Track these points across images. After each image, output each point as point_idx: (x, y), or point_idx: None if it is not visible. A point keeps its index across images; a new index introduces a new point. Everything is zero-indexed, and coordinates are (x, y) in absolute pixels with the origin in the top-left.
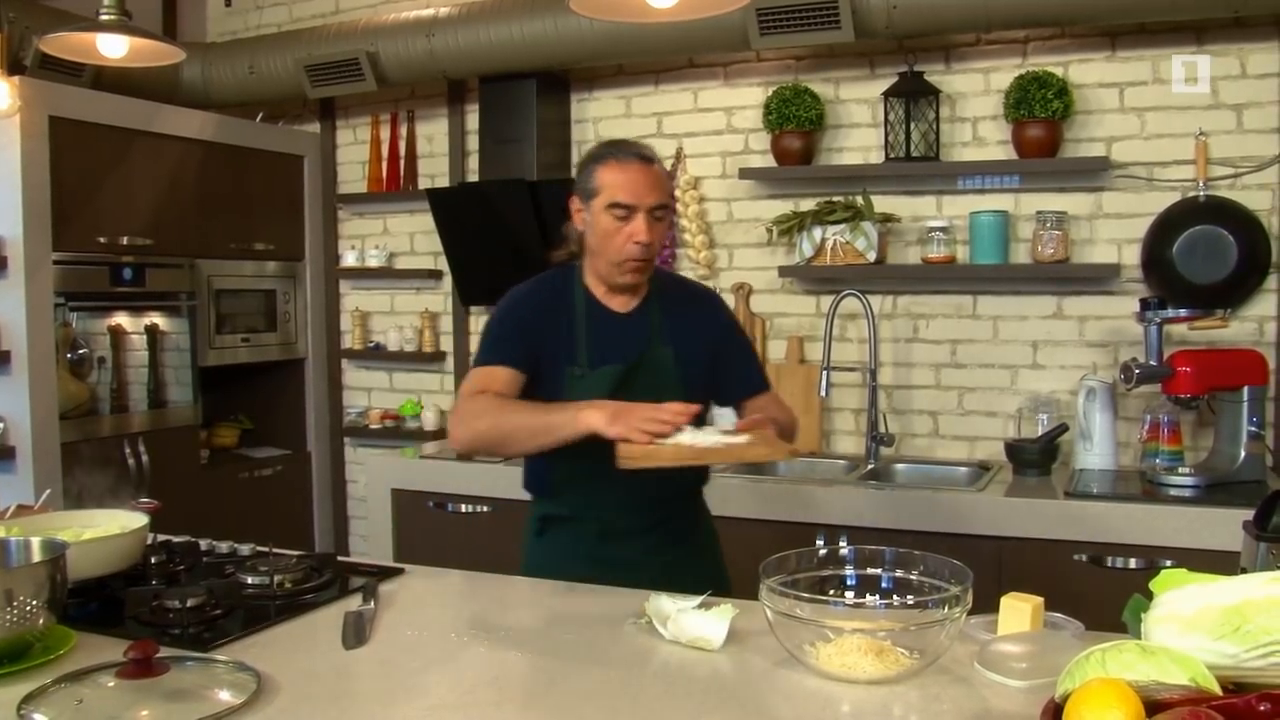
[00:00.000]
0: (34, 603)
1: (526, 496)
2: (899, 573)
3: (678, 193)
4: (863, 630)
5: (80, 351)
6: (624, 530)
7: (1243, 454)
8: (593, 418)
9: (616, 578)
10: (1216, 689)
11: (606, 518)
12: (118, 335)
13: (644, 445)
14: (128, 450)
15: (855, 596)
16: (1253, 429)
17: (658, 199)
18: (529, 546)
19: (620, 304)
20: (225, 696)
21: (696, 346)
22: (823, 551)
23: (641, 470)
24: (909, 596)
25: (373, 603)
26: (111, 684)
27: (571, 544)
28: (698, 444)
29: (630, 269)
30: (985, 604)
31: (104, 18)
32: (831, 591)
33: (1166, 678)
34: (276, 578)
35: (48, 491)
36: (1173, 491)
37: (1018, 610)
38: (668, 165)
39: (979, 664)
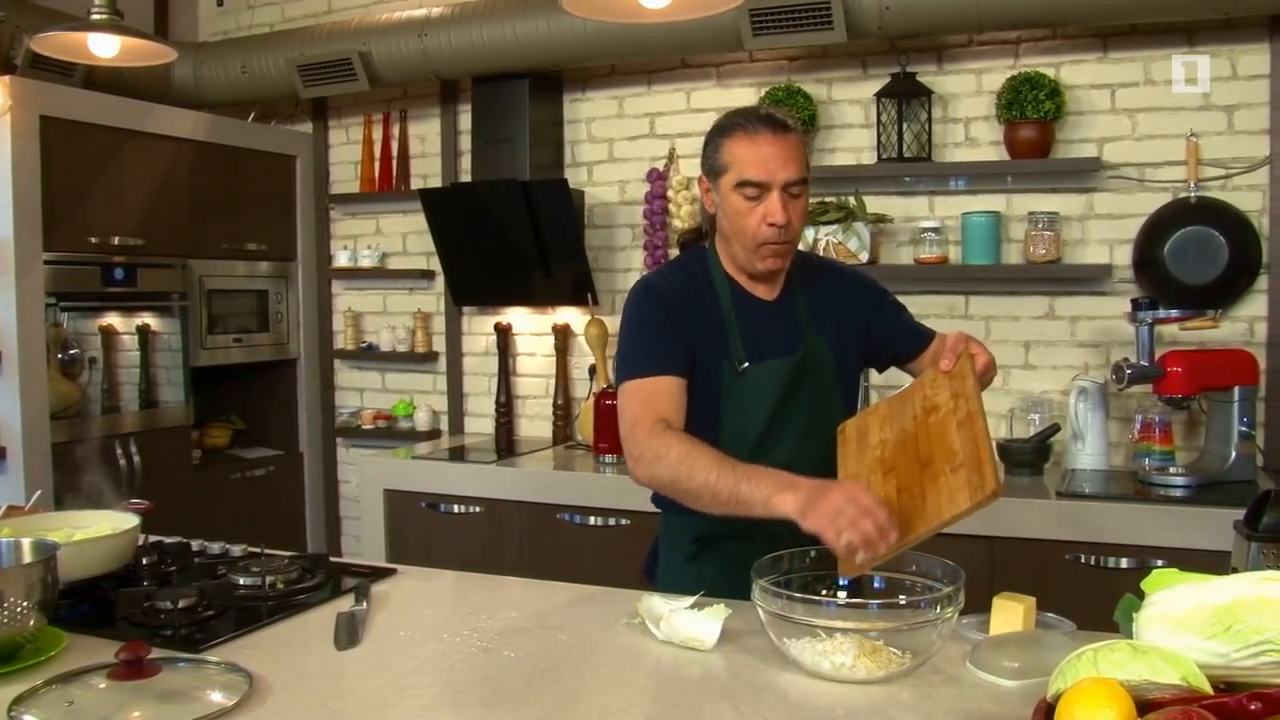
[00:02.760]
0: (25, 604)
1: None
2: (891, 572)
3: (670, 192)
4: (855, 630)
5: (71, 352)
6: (796, 541)
7: (1234, 454)
8: (788, 504)
9: None
10: (1208, 688)
11: (779, 528)
12: (109, 335)
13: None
14: (119, 451)
15: (848, 596)
16: (1243, 429)
17: (793, 173)
18: (676, 567)
19: (765, 291)
20: (217, 698)
21: (849, 334)
22: (815, 551)
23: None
24: (901, 596)
25: (365, 603)
26: (103, 685)
27: (739, 563)
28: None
29: (768, 254)
30: (977, 604)
31: (95, 17)
32: (824, 591)
33: (1158, 677)
34: (268, 578)
35: (39, 492)
36: (1164, 491)
37: (1010, 610)
38: (660, 166)
39: (971, 664)
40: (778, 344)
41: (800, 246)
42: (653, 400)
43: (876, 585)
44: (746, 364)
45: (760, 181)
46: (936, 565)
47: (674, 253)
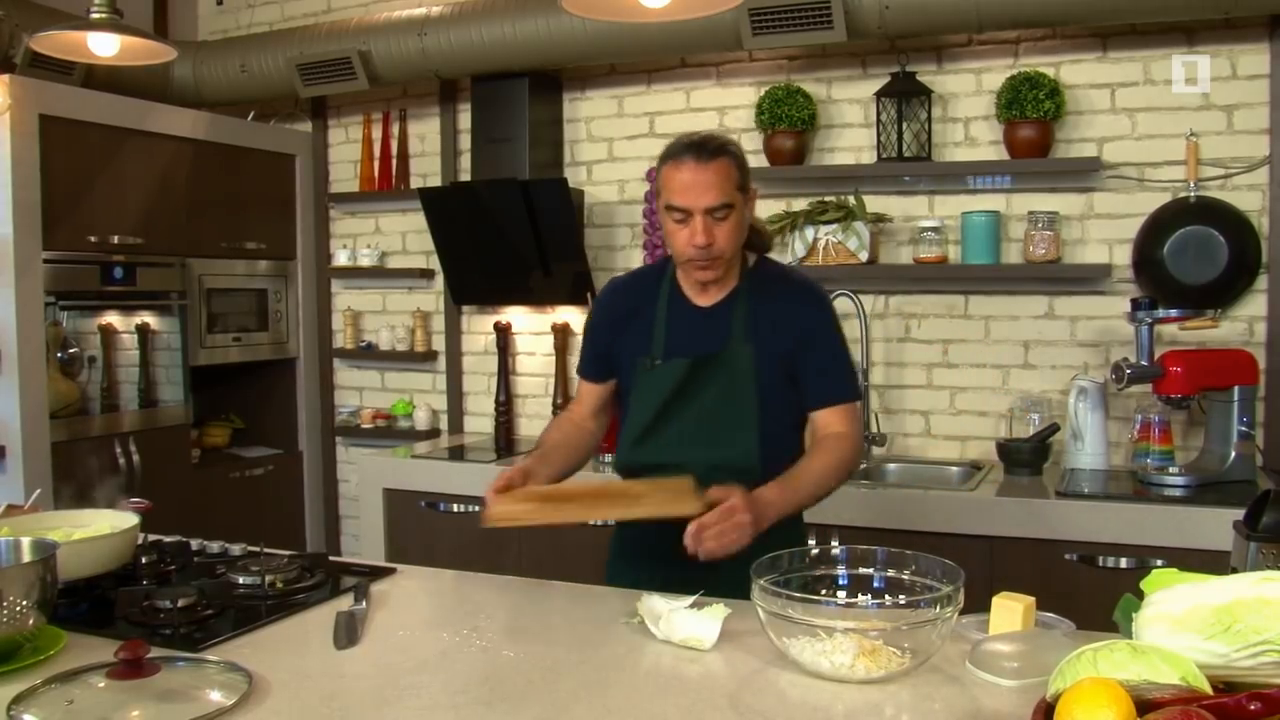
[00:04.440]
0: (24, 603)
1: None
2: (891, 572)
3: None
4: (855, 630)
5: (71, 351)
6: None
7: (1233, 454)
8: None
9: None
10: (1207, 688)
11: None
12: (108, 334)
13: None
14: (118, 450)
15: (847, 596)
16: (1243, 429)
17: (712, 200)
18: (610, 564)
19: (705, 298)
20: (216, 697)
21: (778, 347)
22: (815, 551)
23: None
24: (901, 596)
25: (364, 602)
26: (102, 684)
27: (640, 537)
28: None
29: (695, 269)
30: (976, 603)
31: (95, 16)
32: (824, 591)
33: (1158, 677)
34: (268, 578)
35: (38, 491)
36: (1163, 491)
37: (1009, 610)
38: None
39: (970, 663)
40: (694, 347)
41: (800, 246)
42: (577, 397)
43: (876, 585)
44: (659, 361)
45: (682, 207)
46: (936, 565)
47: None
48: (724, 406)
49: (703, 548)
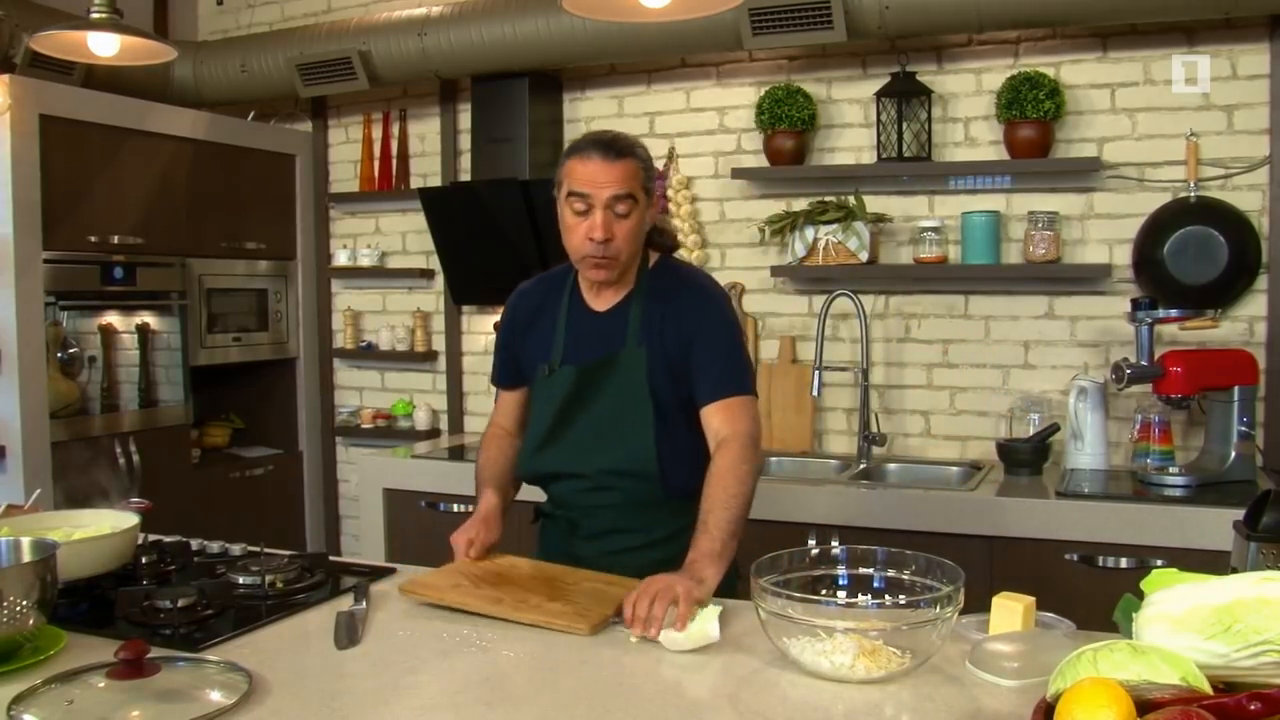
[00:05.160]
0: (24, 603)
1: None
2: (891, 572)
3: (670, 192)
4: (855, 630)
5: (71, 351)
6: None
7: (1233, 454)
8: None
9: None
10: (1207, 688)
11: (574, 517)
12: (108, 334)
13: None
14: (118, 450)
15: (847, 596)
16: (1243, 429)
17: (616, 189)
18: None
19: (602, 301)
20: (216, 697)
21: (669, 347)
22: (815, 551)
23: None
24: (901, 596)
25: (364, 603)
26: (102, 684)
27: (555, 539)
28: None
29: (590, 265)
30: (976, 603)
31: (95, 16)
32: (824, 591)
33: (1158, 677)
34: (268, 578)
35: (38, 491)
36: (1164, 491)
37: (1009, 610)
38: (660, 165)
39: (971, 663)
40: (590, 353)
41: (800, 246)
42: (498, 406)
43: (876, 585)
44: (555, 368)
45: (584, 193)
46: (936, 565)
47: None
48: (618, 411)
49: (648, 621)
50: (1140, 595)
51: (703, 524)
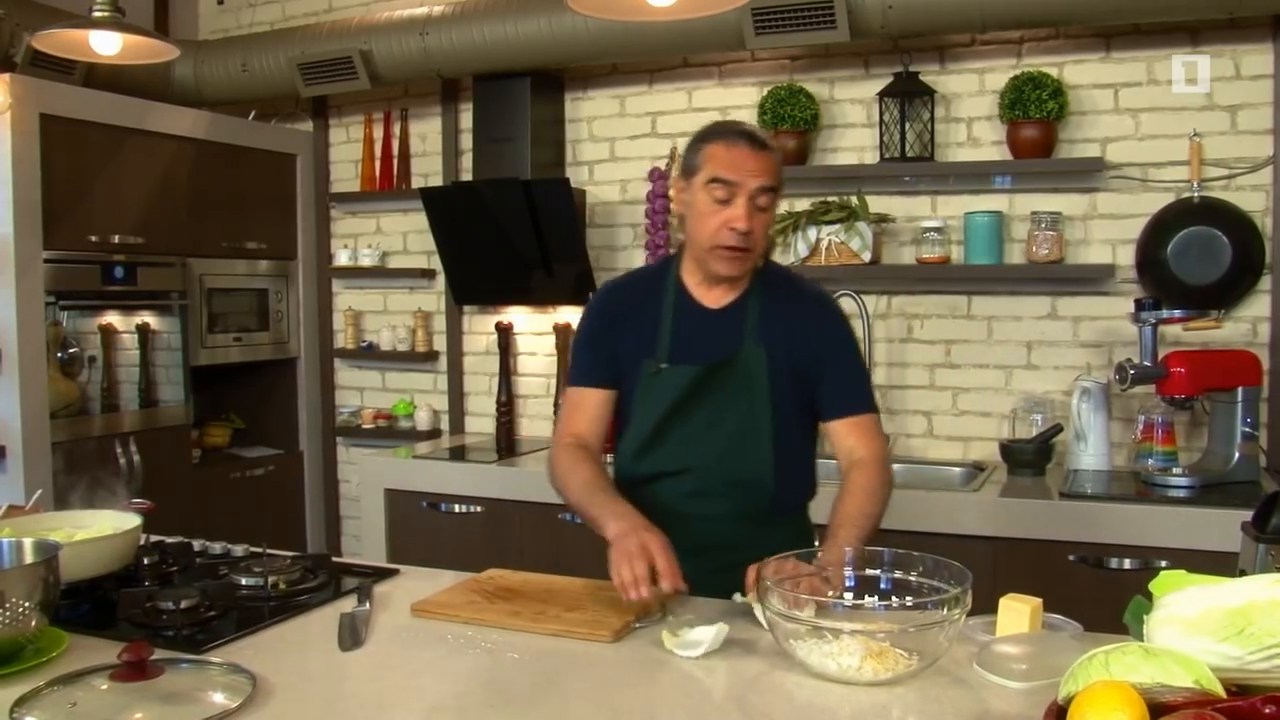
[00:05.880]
0: (26, 604)
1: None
2: (898, 573)
3: (672, 192)
4: (862, 632)
5: (71, 350)
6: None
7: (1237, 455)
8: (609, 531)
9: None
10: (1221, 691)
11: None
12: (109, 334)
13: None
14: (119, 450)
15: (854, 597)
16: (1247, 429)
17: (764, 180)
18: None
19: (714, 298)
20: (220, 699)
21: (794, 354)
22: (820, 553)
23: None
24: (908, 598)
25: (368, 604)
26: (105, 687)
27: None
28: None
29: (724, 257)
30: (980, 605)
31: (97, 14)
32: (830, 593)
33: (1171, 680)
34: (271, 579)
35: (40, 491)
36: (1167, 492)
37: (1016, 611)
38: (662, 166)
39: (978, 665)
40: (706, 349)
41: (802, 246)
42: (574, 412)
43: (883, 586)
44: (665, 365)
45: (731, 180)
46: (943, 567)
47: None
48: (736, 414)
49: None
50: (1147, 596)
51: (833, 535)
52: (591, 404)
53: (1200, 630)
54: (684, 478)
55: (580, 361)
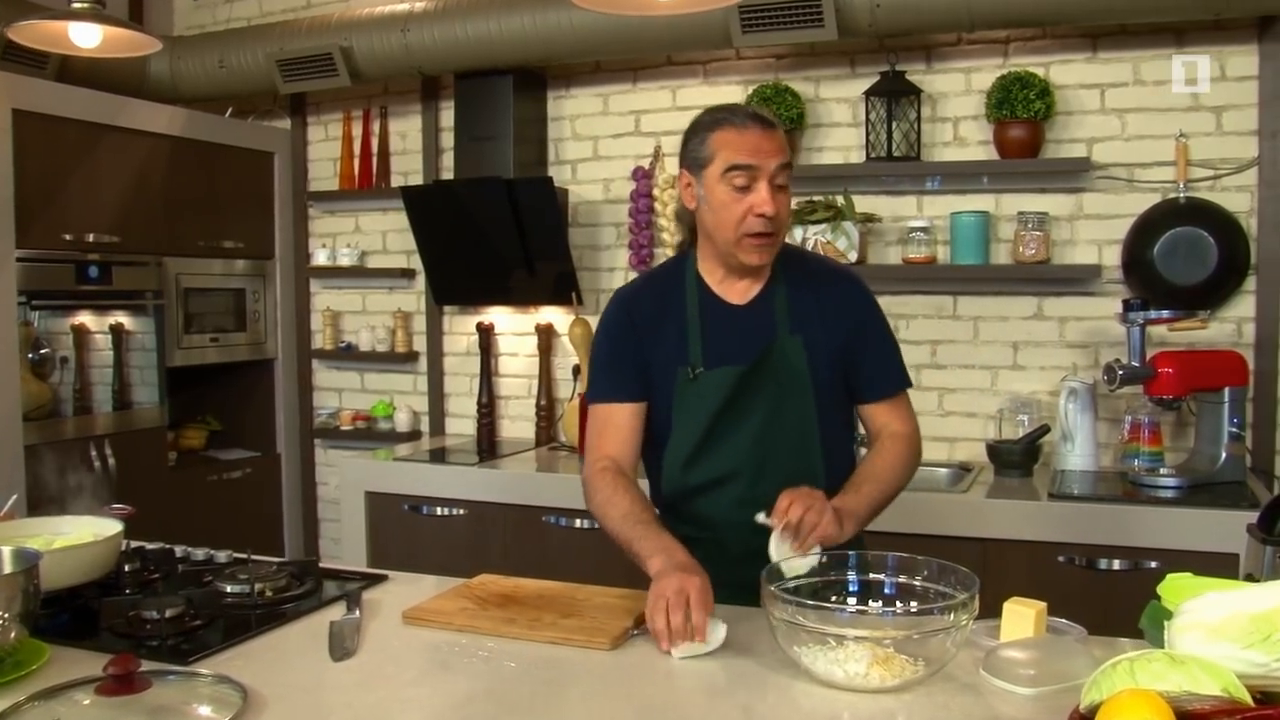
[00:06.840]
0: (5, 616)
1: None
2: (902, 578)
3: (656, 191)
4: (868, 638)
5: (42, 351)
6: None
7: (1224, 455)
8: (652, 568)
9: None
10: (1248, 699)
11: (722, 537)
12: (81, 335)
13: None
14: (93, 453)
15: (857, 602)
16: (1233, 430)
17: (781, 158)
18: None
19: (738, 293)
20: (209, 713)
21: (831, 336)
22: (825, 557)
23: None
24: (912, 602)
25: (358, 611)
26: (88, 701)
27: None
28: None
29: (753, 246)
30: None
31: (76, 6)
32: (834, 597)
33: (1198, 688)
34: (257, 586)
35: (14, 497)
36: (1155, 493)
37: (1021, 615)
38: (646, 165)
39: (984, 671)
40: (739, 350)
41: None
42: (604, 430)
43: (887, 591)
44: (700, 370)
45: (751, 164)
46: (949, 571)
47: (659, 252)
48: (781, 411)
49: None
50: (1146, 599)
51: (854, 484)
52: (622, 420)
53: (1223, 636)
54: (736, 482)
55: (605, 377)
